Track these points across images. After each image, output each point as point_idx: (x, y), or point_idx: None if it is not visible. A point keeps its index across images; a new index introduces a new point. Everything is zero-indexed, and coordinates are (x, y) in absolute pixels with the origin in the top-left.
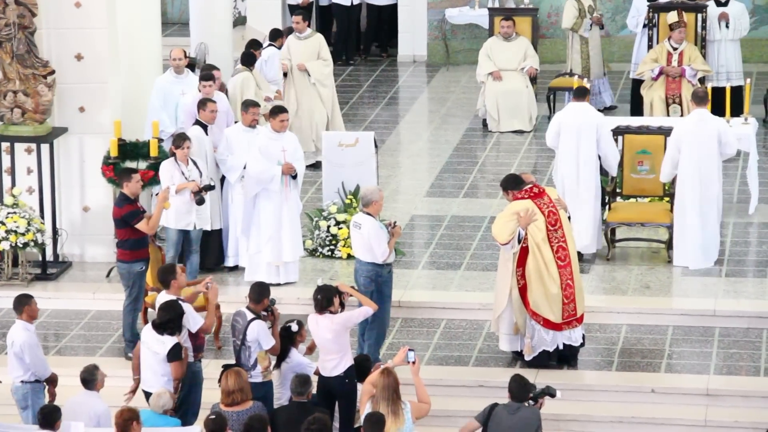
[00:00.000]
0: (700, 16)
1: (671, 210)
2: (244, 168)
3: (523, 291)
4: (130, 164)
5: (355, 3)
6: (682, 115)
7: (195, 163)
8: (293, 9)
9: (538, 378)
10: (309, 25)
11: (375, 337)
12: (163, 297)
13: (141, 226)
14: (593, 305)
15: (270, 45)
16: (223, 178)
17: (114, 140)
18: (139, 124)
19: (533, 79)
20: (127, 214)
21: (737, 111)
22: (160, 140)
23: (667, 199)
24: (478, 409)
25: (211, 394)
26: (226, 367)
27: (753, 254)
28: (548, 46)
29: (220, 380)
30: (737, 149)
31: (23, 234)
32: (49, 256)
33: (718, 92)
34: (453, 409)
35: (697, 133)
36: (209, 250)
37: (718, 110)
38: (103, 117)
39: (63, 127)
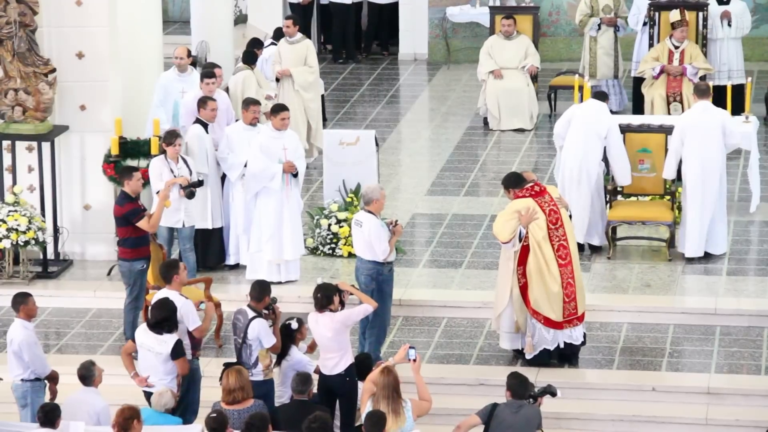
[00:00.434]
0: (701, 14)
1: (672, 208)
2: (245, 166)
3: (523, 289)
4: (131, 162)
5: (355, 1)
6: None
7: (185, 161)
8: (294, 7)
9: (539, 376)
10: (309, 26)
11: (376, 335)
12: (165, 293)
13: (142, 224)
14: (594, 304)
15: (272, 44)
16: (223, 177)
17: (115, 138)
18: (140, 122)
19: (534, 78)
20: (128, 212)
21: (738, 109)
22: (161, 138)
23: (668, 197)
24: (478, 407)
25: (212, 393)
26: (227, 365)
27: (754, 253)
28: (549, 44)
29: (221, 378)
30: (739, 146)
31: (24, 232)
32: (50, 255)
33: (720, 90)
34: (454, 407)
35: (702, 124)
36: (210, 249)
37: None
38: (104, 115)
39: (64, 126)
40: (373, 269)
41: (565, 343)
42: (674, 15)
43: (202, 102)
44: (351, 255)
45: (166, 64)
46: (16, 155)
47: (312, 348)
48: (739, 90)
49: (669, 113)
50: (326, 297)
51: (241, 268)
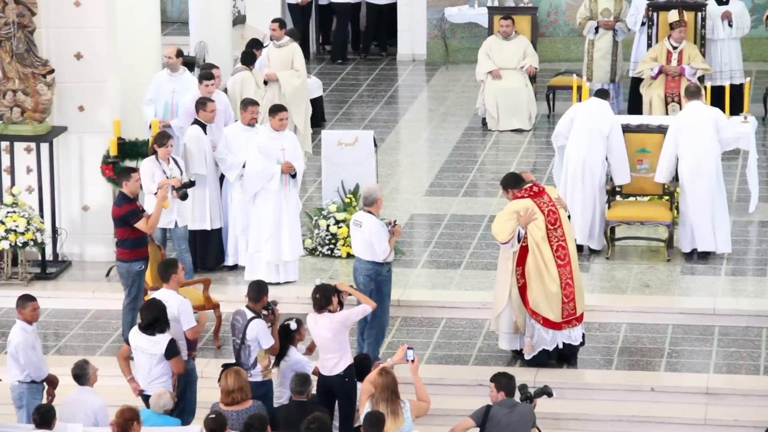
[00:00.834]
0: (699, 14)
1: (671, 208)
2: (244, 167)
3: (522, 290)
4: (129, 163)
5: (355, 1)
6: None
7: (175, 161)
8: (292, 8)
9: (538, 377)
10: (307, 26)
11: (375, 336)
12: (163, 292)
13: (140, 225)
14: (593, 304)
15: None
16: (222, 177)
17: (113, 139)
18: (139, 123)
19: (532, 78)
20: (127, 213)
21: (736, 109)
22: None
23: (666, 197)
24: (477, 407)
25: (210, 394)
26: (225, 366)
27: (753, 253)
28: (547, 44)
29: (219, 379)
30: (736, 138)
31: (23, 233)
32: (49, 256)
33: (718, 91)
34: (452, 407)
35: (694, 123)
36: (209, 250)
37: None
38: (103, 116)
39: (62, 126)
40: (371, 270)
41: (563, 343)
42: (672, 15)
43: (201, 103)
44: (350, 256)
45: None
46: (14, 156)
47: (311, 350)
48: (738, 90)
49: (667, 113)
50: (325, 298)
51: (240, 269)
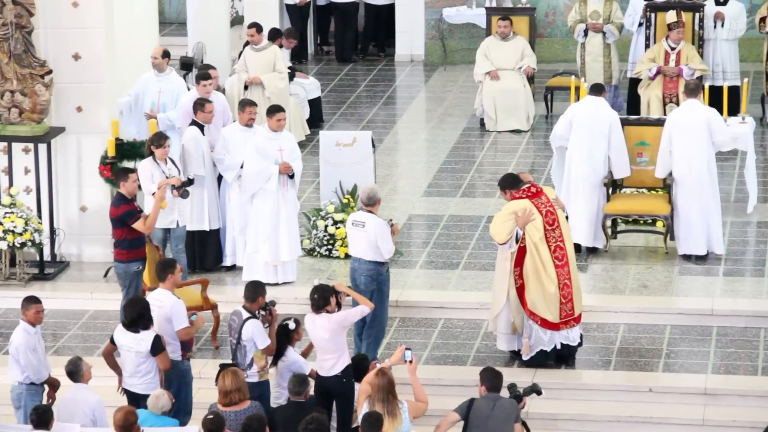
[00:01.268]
0: (697, 15)
1: (669, 201)
2: (242, 167)
3: (520, 291)
4: (127, 164)
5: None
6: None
7: (173, 162)
8: (290, 9)
9: (536, 377)
10: (305, 27)
11: (374, 336)
12: (158, 292)
13: (138, 225)
14: (591, 304)
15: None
16: (220, 178)
17: (111, 140)
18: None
19: (530, 79)
20: (124, 213)
21: (732, 111)
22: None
23: (665, 190)
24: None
25: (208, 394)
26: (223, 366)
27: (751, 253)
28: (546, 45)
29: (217, 380)
30: (731, 140)
31: (21, 234)
32: (47, 256)
33: (715, 91)
34: (450, 408)
35: (687, 122)
36: (207, 250)
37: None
38: (101, 117)
39: (60, 127)
40: (373, 270)
41: (561, 344)
42: (670, 16)
43: (199, 104)
44: (348, 256)
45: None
46: (12, 157)
47: (306, 353)
48: (734, 91)
49: (665, 114)
50: (323, 298)
51: (238, 269)
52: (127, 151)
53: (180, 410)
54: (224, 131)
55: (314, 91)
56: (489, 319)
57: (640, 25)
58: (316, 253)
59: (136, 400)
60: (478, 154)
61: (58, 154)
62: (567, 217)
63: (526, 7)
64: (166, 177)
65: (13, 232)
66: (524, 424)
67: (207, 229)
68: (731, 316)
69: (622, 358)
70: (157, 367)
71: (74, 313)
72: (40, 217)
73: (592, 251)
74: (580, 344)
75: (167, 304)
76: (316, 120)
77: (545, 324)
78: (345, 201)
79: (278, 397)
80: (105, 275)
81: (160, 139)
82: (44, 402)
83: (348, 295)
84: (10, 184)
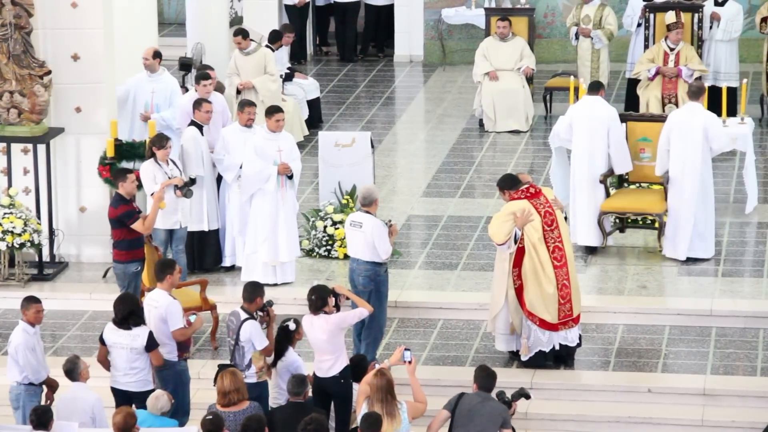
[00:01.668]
0: (696, 15)
1: (666, 198)
2: (241, 167)
3: (519, 291)
4: (126, 164)
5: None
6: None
7: (174, 162)
8: (289, 9)
9: (535, 378)
10: (304, 28)
11: (373, 337)
12: (155, 293)
13: (137, 226)
14: (590, 305)
15: (267, 47)
16: (219, 179)
17: (110, 140)
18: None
19: (529, 79)
20: (123, 214)
21: (729, 111)
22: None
23: (660, 186)
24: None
25: (207, 395)
26: (221, 367)
27: (750, 254)
28: (544, 46)
29: (215, 381)
30: (729, 145)
31: (20, 234)
32: (46, 257)
33: (712, 92)
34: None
35: (686, 124)
36: (207, 251)
37: (712, 110)
38: (100, 117)
39: (59, 128)
40: (371, 270)
41: (560, 344)
42: (669, 17)
43: (198, 104)
44: (347, 257)
45: (162, 65)
46: (11, 157)
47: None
48: (731, 92)
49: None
50: (321, 299)
51: (237, 269)
52: (126, 151)
53: (177, 411)
54: (224, 131)
55: (313, 92)
56: (488, 319)
57: (639, 25)
58: (315, 253)
59: (128, 398)
60: (477, 155)
61: (57, 154)
62: (566, 218)
63: (525, 7)
64: (169, 178)
65: (12, 232)
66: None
67: (206, 229)
68: (730, 317)
69: (621, 359)
70: (150, 363)
71: (73, 314)
72: (39, 217)
73: (593, 250)
74: (579, 345)
75: (163, 305)
76: (315, 120)
77: (544, 325)
78: (344, 201)
79: (277, 397)
80: (104, 276)
81: (161, 140)
82: (43, 403)
83: (347, 298)
84: (9, 185)
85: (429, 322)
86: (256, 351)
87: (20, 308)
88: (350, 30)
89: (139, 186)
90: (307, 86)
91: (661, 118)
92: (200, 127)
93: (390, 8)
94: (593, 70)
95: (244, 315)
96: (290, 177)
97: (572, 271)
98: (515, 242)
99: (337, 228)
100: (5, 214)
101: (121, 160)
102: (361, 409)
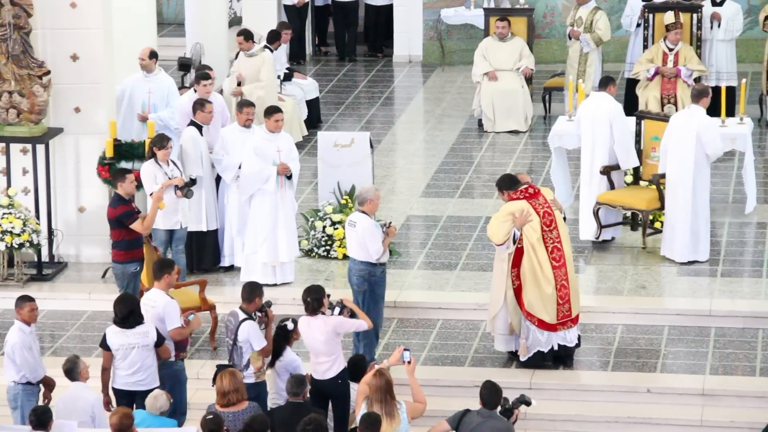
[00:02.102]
0: (695, 16)
1: (660, 198)
2: (240, 168)
3: (518, 292)
4: (125, 165)
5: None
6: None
7: (174, 163)
8: (288, 9)
9: (534, 378)
10: (303, 28)
11: (369, 337)
12: (152, 292)
13: (136, 226)
14: (589, 305)
15: (266, 47)
16: (218, 179)
17: (109, 141)
18: (135, 124)
19: (529, 80)
20: (122, 214)
21: (728, 111)
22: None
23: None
24: (473, 409)
25: (206, 395)
26: (220, 367)
27: (749, 254)
28: (544, 46)
29: (214, 381)
30: (722, 150)
31: (19, 234)
32: (45, 257)
33: (713, 92)
34: (449, 409)
35: (681, 128)
36: (206, 251)
37: (711, 110)
38: (99, 117)
39: (58, 128)
40: (365, 270)
41: (559, 345)
42: (668, 17)
43: (199, 104)
44: (346, 257)
45: (161, 66)
46: (10, 157)
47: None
48: (730, 92)
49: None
50: (316, 300)
51: (237, 270)
52: (125, 151)
53: (175, 410)
54: (223, 132)
55: (312, 92)
56: (487, 320)
57: (638, 25)
58: (314, 253)
59: (132, 399)
60: (476, 155)
61: (56, 154)
62: (564, 219)
63: (524, 7)
64: (169, 178)
65: (11, 232)
66: None
67: (205, 229)
68: (729, 317)
69: (620, 359)
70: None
71: (72, 314)
72: (38, 217)
73: (597, 245)
74: (578, 345)
75: (160, 304)
76: (314, 121)
77: (542, 325)
78: (343, 202)
79: (275, 398)
80: (103, 276)
81: (162, 140)
82: (40, 402)
83: (352, 315)
84: (8, 185)
85: (428, 322)
86: (254, 351)
87: (14, 308)
88: (351, 30)
89: (139, 186)
90: (306, 86)
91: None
92: (199, 128)
93: (388, 8)
94: (580, 72)
95: (242, 315)
96: (289, 177)
97: (571, 271)
98: (514, 243)
99: (336, 228)
100: (4, 214)
101: (120, 160)
102: (360, 409)
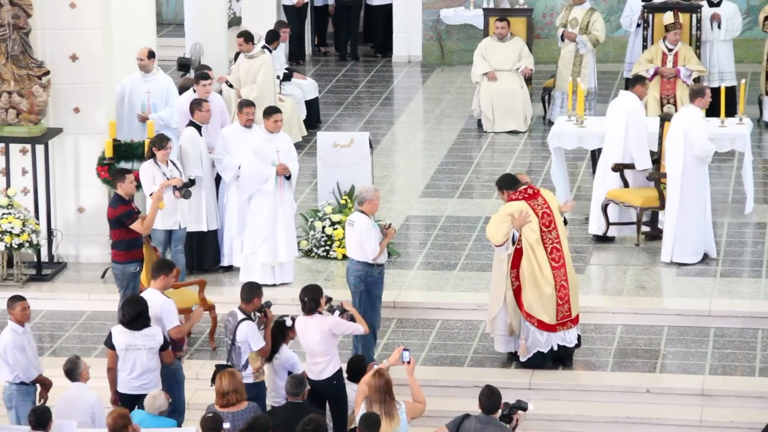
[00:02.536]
0: (694, 16)
1: (659, 197)
2: (239, 168)
3: (517, 292)
4: (124, 165)
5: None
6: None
7: (174, 163)
8: (287, 9)
9: (534, 378)
10: (303, 28)
11: (368, 337)
12: (148, 292)
13: (135, 226)
14: (588, 305)
15: (264, 47)
16: (218, 179)
17: (109, 141)
18: (134, 124)
19: (528, 80)
20: (122, 214)
21: (729, 111)
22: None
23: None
24: (473, 409)
25: (206, 395)
26: (219, 367)
27: (748, 254)
28: (543, 46)
29: (213, 381)
30: (708, 150)
31: (18, 235)
32: (44, 257)
33: (713, 92)
34: (448, 409)
35: (674, 128)
36: (205, 251)
37: (711, 110)
38: (98, 117)
39: (58, 128)
40: (362, 270)
41: (558, 345)
42: (668, 18)
43: (197, 104)
44: (345, 257)
45: (161, 66)
46: (10, 158)
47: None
48: (730, 92)
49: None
50: (313, 300)
51: (236, 270)
52: (125, 152)
53: (174, 410)
54: (224, 131)
55: (312, 92)
56: (487, 321)
57: (638, 26)
58: (313, 254)
59: (134, 402)
60: (476, 155)
61: (56, 155)
62: (565, 222)
63: (524, 8)
64: (168, 179)
65: (10, 233)
66: None
67: (205, 230)
68: (728, 317)
69: (619, 359)
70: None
71: (71, 314)
72: (37, 218)
73: (604, 239)
74: (577, 345)
75: (157, 304)
76: (313, 121)
77: (542, 326)
78: (342, 202)
79: (274, 397)
80: (102, 276)
81: (161, 140)
82: (36, 401)
83: (351, 319)
84: (8, 185)
85: (427, 322)
86: (253, 352)
87: (6, 308)
88: (353, 29)
89: (138, 186)
90: (306, 86)
91: None
92: (199, 128)
93: (387, 8)
94: (574, 74)
95: (241, 315)
96: (288, 178)
97: (570, 272)
98: (513, 243)
99: (336, 228)
100: (4, 214)
101: (120, 160)
102: (359, 409)
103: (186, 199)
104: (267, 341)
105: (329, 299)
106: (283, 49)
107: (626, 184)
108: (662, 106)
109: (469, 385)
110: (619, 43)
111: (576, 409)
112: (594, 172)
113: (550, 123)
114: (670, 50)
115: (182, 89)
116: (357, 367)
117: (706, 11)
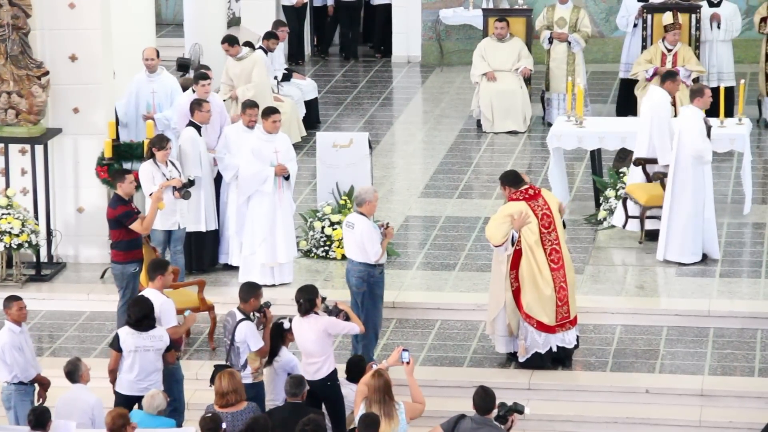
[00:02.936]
0: (694, 16)
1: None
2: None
3: (516, 294)
4: (124, 165)
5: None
6: (675, 116)
7: (173, 163)
8: (287, 10)
9: (533, 379)
10: (302, 28)
11: (368, 337)
12: (146, 292)
13: (135, 226)
14: (587, 306)
15: (260, 48)
16: (217, 179)
17: (108, 141)
18: (138, 125)
19: (527, 80)
20: (121, 214)
21: (727, 111)
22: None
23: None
24: (472, 409)
25: (205, 395)
26: (218, 367)
27: (747, 254)
28: (542, 46)
29: (212, 381)
30: (702, 150)
31: (17, 235)
32: (44, 257)
33: (712, 93)
34: (447, 409)
35: (675, 127)
36: (205, 251)
37: (710, 110)
38: (98, 118)
39: (57, 128)
40: (364, 271)
41: (557, 346)
42: (667, 18)
43: (197, 104)
44: (344, 258)
45: (160, 66)
46: (9, 158)
47: None
48: (729, 92)
49: None
50: (309, 301)
51: (236, 270)
52: (124, 152)
53: (175, 409)
54: (227, 130)
55: (311, 92)
56: (486, 321)
57: (635, 26)
58: (312, 254)
59: (132, 403)
60: (475, 156)
61: (55, 155)
62: (564, 225)
63: (523, 8)
64: (167, 179)
65: (9, 233)
66: None
67: (204, 230)
68: (728, 318)
69: (618, 360)
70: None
71: (71, 315)
72: (36, 218)
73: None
74: (576, 346)
75: (156, 304)
76: (312, 121)
77: (541, 327)
78: (342, 202)
79: (274, 398)
80: (102, 276)
81: (161, 141)
82: (35, 401)
83: (347, 318)
84: (7, 186)
85: (427, 322)
86: (252, 352)
87: (3, 308)
88: (354, 29)
89: (138, 187)
90: (305, 86)
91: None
92: (198, 128)
93: (387, 8)
94: (569, 72)
95: (239, 315)
96: (287, 178)
97: (570, 273)
98: (512, 244)
99: (335, 229)
100: (3, 214)
101: (119, 160)
102: (359, 409)
103: (185, 199)
104: (266, 341)
105: (323, 299)
106: (282, 49)
107: (649, 179)
108: None
109: (468, 386)
110: (619, 44)
111: (575, 410)
112: (594, 172)
113: (549, 124)
114: (669, 50)
115: (181, 89)
116: (356, 368)
117: (706, 11)
